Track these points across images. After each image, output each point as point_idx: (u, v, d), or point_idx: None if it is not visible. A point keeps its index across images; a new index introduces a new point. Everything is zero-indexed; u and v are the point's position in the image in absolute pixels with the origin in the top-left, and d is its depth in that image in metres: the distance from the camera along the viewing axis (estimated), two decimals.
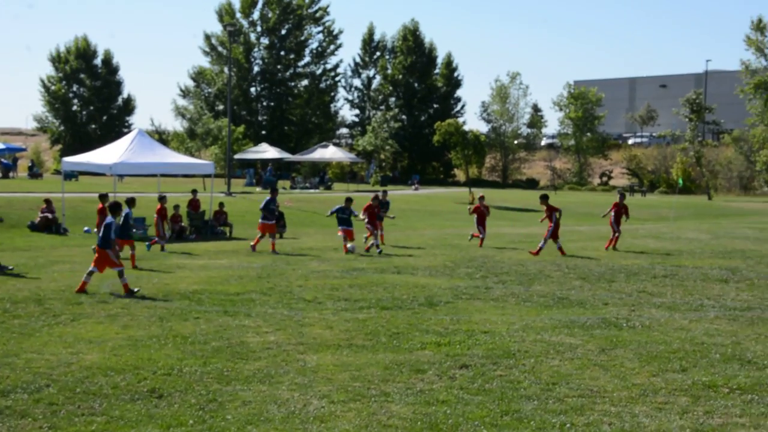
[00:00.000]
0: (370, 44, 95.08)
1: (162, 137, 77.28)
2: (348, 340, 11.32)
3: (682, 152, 75.79)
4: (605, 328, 12.35)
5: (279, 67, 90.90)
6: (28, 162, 73.84)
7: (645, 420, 7.98)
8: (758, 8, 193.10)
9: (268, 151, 69.68)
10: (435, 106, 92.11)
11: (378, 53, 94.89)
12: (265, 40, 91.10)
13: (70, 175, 55.70)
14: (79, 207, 34.61)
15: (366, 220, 24.59)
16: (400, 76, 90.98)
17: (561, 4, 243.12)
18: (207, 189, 43.34)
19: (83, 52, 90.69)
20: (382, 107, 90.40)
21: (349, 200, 24.79)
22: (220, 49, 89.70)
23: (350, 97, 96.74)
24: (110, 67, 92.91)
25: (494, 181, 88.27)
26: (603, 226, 36.71)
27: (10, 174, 62.29)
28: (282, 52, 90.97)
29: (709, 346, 11.14)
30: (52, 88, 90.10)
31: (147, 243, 24.17)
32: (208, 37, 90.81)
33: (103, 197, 23.07)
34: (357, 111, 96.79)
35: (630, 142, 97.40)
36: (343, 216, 24.18)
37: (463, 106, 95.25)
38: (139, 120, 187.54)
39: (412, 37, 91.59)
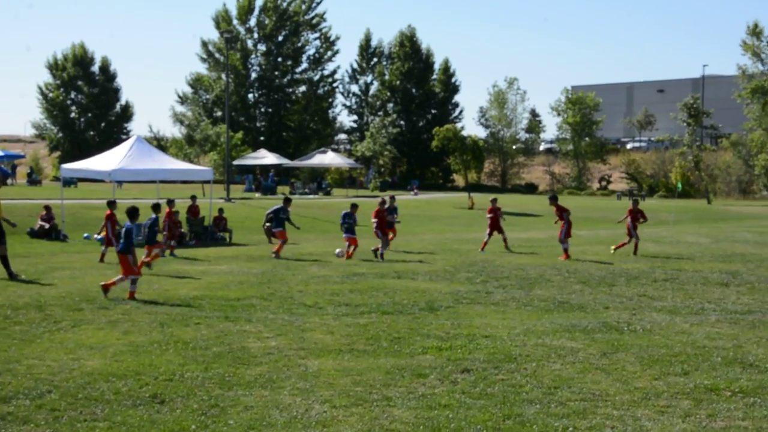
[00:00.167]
0: (367, 50, 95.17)
1: (160, 144, 77.28)
2: (349, 345, 11.31)
3: (680, 156, 75.77)
4: (606, 332, 12.35)
5: (276, 73, 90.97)
6: (26, 169, 73.84)
7: (647, 423, 7.98)
8: (754, 13, 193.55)
9: (267, 157, 69.74)
10: (433, 111, 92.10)
11: (375, 59, 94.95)
12: (262, 47, 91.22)
13: (69, 182, 55.66)
14: (78, 213, 34.60)
15: (375, 225, 24.46)
16: (398, 82, 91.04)
17: (558, 9, 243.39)
18: (206, 195, 43.31)
19: (80, 59, 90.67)
20: (380, 113, 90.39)
21: (354, 206, 24.80)
22: (217, 55, 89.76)
23: (348, 103, 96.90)
24: (108, 74, 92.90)
25: (493, 186, 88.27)
26: (602, 230, 36.79)
27: (8, 181, 62.24)
28: (279, 59, 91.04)
29: (710, 350, 11.14)
30: (50, 95, 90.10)
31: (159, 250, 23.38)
32: (205, 44, 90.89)
33: (111, 204, 23.03)
34: (355, 117, 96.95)
35: (628, 146, 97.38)
36: (349, 222, 24.16)
37: (461, 112, 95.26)
38: (137, 127, 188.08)
39: (409, 43, 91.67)
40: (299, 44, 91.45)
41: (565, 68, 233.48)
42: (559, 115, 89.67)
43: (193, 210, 30.85)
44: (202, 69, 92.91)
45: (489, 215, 27.03)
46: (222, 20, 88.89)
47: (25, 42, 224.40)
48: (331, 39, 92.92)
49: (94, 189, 56.34)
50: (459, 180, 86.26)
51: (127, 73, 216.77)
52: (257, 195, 59.71)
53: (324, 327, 12.63)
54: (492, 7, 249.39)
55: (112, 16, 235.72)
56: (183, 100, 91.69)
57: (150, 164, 30.60)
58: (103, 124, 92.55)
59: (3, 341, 11.38)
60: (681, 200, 62.92)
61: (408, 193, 68.37)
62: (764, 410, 8.41)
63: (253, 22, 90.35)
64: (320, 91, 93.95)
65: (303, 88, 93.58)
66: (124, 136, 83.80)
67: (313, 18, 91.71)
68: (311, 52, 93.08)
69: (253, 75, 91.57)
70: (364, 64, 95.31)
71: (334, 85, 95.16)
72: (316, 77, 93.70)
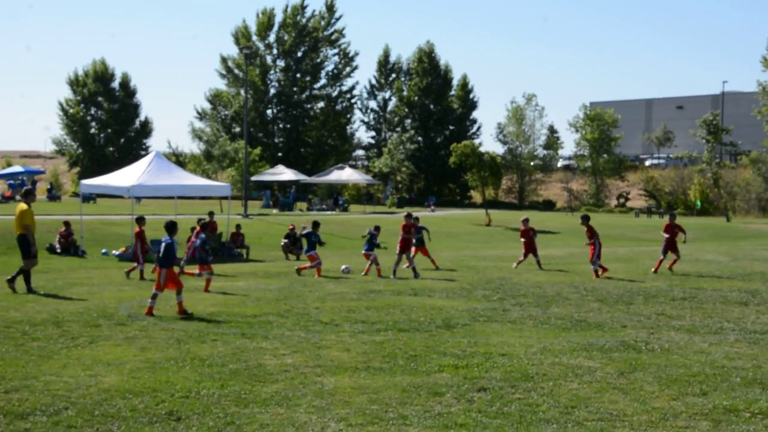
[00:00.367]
0: (385, 66, 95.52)
1: (179, 159, 77.83)
2: (365, 363, 11.29)
3: (699, 174, 75.44)
4: (624, 351, 12.26)
5: (295, 89, 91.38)
6: (46, 185, 74.37)
7: None
8: None
9: (285, 173, 69.96)
10: (451, 127, 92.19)
11: (394, 75, 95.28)
12: (281, 63, 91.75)
13: (89, 198, 56.04)
14: (97, 229, 34.81)
15: (398, 249, 23.95)
16: (416, 98, 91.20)
17: (576, 26, 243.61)
18: (224, 211, 43.51)
19: (101, 75, 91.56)
20: (398, 129, 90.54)
21: (377, 228, 25.20)
22: (236, 71, 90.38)
23: (366, 119, 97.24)
24: (128, 90, 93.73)
25: (511, 202, 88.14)
26: (620, 248, 36.60)
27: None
28: (298, 75, 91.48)
29: (729, 370, 11.04)
30: (71, 111, 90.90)
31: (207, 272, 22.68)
32: (224, 60, 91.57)
33: (140, 220, 23.15)
34: (373, 133, 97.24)
35: (647, 163, 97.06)
36: (372, 242, 24.28)
37: (479, 128, 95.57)
38: (156, 142, 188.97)
39: (427, 58, 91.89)
40: (318, 60, 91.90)
41: (583, 84, 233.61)
42: (577, 131, 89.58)
43: (210, 226, 30.92)
44: (221, 85, 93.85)
45: (522, 239, 26.90)
46: (241, 36, 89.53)
47: (46, 59, 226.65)
48: (350, 55, 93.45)
49: (113, 205, 56.69)
50: (476, 196, 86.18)
51: (146, 89, 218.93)
52: (275, 211, 59.88)
53: (340, 344, 12.61)
54: (511, 23, 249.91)
55: (132, 33, 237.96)
56: (202, 116, 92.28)
57: (168, 180, 30.78)
58: (122, 140, 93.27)
59: (21, 357, 11.43)
60: (700, 218, 62.56)
61: (425, 210, 68.38)
62: None
63: (272, 38, 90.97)
64: (338, 107, 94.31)
65: (321, 104, 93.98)
66: (143, 152, 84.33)
67: (332, 34, 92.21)
68: (330, 67, 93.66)
69: (272, 91, 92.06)
70: (382, 80, 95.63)
71: (353, 101, 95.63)
72: (335, 93, 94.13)
